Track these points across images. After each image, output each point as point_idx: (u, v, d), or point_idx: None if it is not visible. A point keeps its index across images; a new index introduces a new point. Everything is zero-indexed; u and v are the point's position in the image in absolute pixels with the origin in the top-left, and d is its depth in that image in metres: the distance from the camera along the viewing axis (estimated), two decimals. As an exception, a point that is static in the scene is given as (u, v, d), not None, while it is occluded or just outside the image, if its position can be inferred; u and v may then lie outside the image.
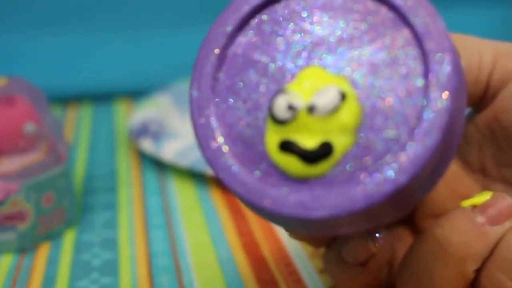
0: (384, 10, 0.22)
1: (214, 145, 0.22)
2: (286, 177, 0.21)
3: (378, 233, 0.26)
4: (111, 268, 0.35)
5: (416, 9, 0.21)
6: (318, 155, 0.21)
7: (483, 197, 0.24)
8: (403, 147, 0.20)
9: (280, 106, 0.21)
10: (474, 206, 0.24)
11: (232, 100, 0.23)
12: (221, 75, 0.23)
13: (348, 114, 0.21)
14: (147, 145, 0.47)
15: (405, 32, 0.21)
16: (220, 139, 0.22)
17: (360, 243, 0.26)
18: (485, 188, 0.28)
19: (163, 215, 0.40)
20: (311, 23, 0.23)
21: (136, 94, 0.62)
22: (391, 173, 0.20)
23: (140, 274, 0.34)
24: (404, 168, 0.20)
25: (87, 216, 0.40)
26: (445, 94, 0.20)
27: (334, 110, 0.21)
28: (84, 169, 0.47)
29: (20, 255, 0.37)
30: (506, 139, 0.27)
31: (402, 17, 0.21)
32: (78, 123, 0.58)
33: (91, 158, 0.49)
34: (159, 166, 0.47)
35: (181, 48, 0.62)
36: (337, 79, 0.21)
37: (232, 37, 0.23)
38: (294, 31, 0.23)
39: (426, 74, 0.21)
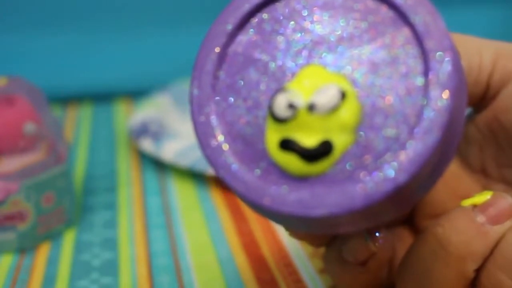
0: (384, 9, 0.22)
1: (214, 143, 0.22)
2: (286, 176, 0.21)
3: (378, 232, 0.26)
4: (111, 268, 0.35)
5: (416, 8, 0.21)
6: (318, 154, 0.21)
7: (483, 197, 0.24)
8: (403, 146, 0.20)
9: (280, 104, 0.21)
10: (475, 206, 0.24)
11: (232, 99, 0.23)
12: (222, 74, 0.23)
13: (348, 113, 0.21)
14: (147, 145, 0.47)
15: (405, 31, 0.21)
16: (220, 137, 0.22)
17: (360, 242, 0.26)
18: (485, 188, 0.28)
19: (163, 215, 0.40)
20: (312, 22, 0.23)
21: (136, 94, 0.63)
22: (391, 172, 0.20)
23: (140, 274, 0.34)
24: (404, 167, 0.20)
25: (87, 216, 0.40)
26: (445, 93, 0.20)
27: (334, 109, 0.21)
28: (84, 169, 0.47)
29: (20, 255, 0.37)
30: (506, 139, 0.27)
31: (402, 16, 0.21)
32: (78, 123, 0.58)
33: (91, 158, 0.49)
34: (159, 166, 0.47)
35: (181, 48, 0.62)
36: (337, 78, 0.21)
37: (232, 35, 0.23)
38: (294, 30, 0.23)
39: (426, 73, 0.21)
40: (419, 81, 0.21)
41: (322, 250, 0.35)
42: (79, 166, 0.48)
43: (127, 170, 0.47)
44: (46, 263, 0.36)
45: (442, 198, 0.29)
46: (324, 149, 0.21)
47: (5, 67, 0.61)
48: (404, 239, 0.29)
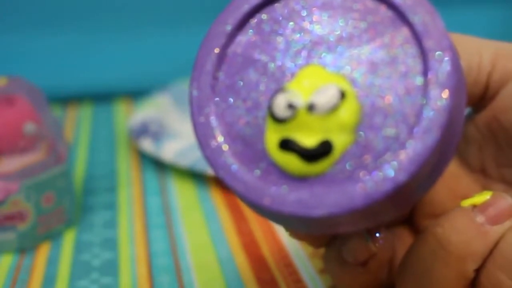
0: (383, 9, 0.22)
1: (214, 144, 0.22)
2: (286, 176, 0.21)
3: (378, 232, 0.26)
4: (111, 268, 0.35)
5: (415, 8, 0.21)
6: (318, 154, 0.21)
7: (483, 197, 0.24)
8: (402, 146, 0.20)
9: (280, 104, 0.21)
10: (474, 206, 0.24)
11: (232, 99, 0.23)
12: (221, 74, 0.23)
13: (348, 113, 0.21)
14: (147, 145, 0.47)
15: (404, 31, 0.21)
16: (220, 138, 0.22)
17: (360, 243, 0.26)
18: (485, 188, 0.28)
19: (163, 215, 0.40)
20: (311, 22, 0.23)
21: (136, 94, 0.63)
22: (391, 171, 0.20)
23: (140, 274, 0.34)
24: (403, 166, 0.20)
25: (87, 216, 0.40)
26: (445, 93, 0.20)
27: (334, 109, 0.21)
28: (84, 169, 0.47)
29: (20, 255, 0.37)
30: (506, 139, 0.27)
31: (401, 16, 0.21)
32: (78, 123, 0.58)
33: (91, 158, 0.49)
34: (159, 166, 0.47)
35: (181, 48, 0.62)
36: (337, 78, 0.21)
37: (232, 36, 0.23)
38: (293, 30, 0.23)
39: (425, 72, 0.21)
40: (419, 80, 0.21)
41: (322, 250, 0.35)
42: (79, 166, 0.48)
43: (127, 170, 0.47)
44: (46, 263, 0.36)
45: (441, 198, 0.29)
46: (323, 149, 0.21)
47: (5, 67, 0.61)
48: (404, 239, 0.29)
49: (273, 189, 0.21)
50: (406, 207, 0.22)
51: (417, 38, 0.21)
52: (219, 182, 0.44)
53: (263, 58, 0.23)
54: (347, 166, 0.21)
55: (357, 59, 0.22)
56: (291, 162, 0.21)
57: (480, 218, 0.24)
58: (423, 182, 0.21)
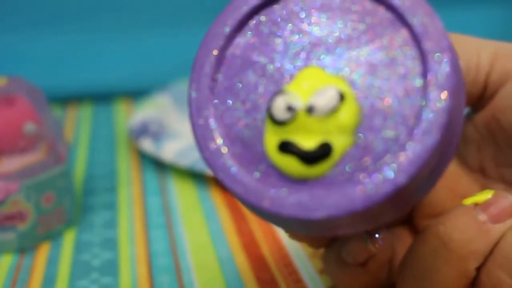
0: (382, 11, 0.22)
1: (213, 146, 0.22)
2: (285, 178, 0.21)
3: (378, 233, 0.26)
4: (111, 268, 0.35)
5: (414, 9, 0.21)
6: (317, 156, 0.21)
7: (484, 196, 0.24)
8: (402, 147, 0.20)
9: (279, 107, 0.21)
10: (476, 204, 0.24)
11: (230, 101, 0.23)
12: (220, 76, 0.23)
13: (347, 115, 0.21)
14: (147, 145, 0.47)
15: (403, 32, 0.21)
16: (219, 140, 0.22)
17: (360, 243, 0.26)
18: (484, 188, 0.28)
19: (163, 215, 0.40)
20: (309, 23, 0.22)
21: (136, 94, 0.63)
22: (391, 173, 0.20)
23: (140, 274, 0.34)
24: (403, 168, 0.20)
25: (87, 216, 0.40)
26: (444, 94, 0.20)
27: (333, 111, 0.21)
28: (84, 169, 0.47)
29: (20, 255, 0.37)
30: (505, 138, 0.27)
31: (400, 17, 0.21)
32: (78, 123, 0.58)
33: (91, 158, 0.49)
34: (159, 166, 0.47)
35: (181, 48, 0.62)
36: (336, 80, 0.21)
37: (230, 38, 0.23)
38: (292, 32, 0.23)
39: (424, 74, 0.21)
40: (418, 82, 0.21)
41: (322, 250, 0.35)
42: (79, 166, 0.48)
43: (127, 170, 0.47)
44: (46, 263, 0.36)
45: (441, 198, 0.29)
46: (323, 151, 0.21)
47: (5, 67, 0.61)
48: (403, 240, 0.29)
49: (273, 191, 0.21)
50: (406, 209, 0.22)
51: (416, 39, 0.21)
52: (219, 183, 0.44)
53: (262, 60, 0.23)
54: (347, 168, 0.21)
55: (356, 60, 0.22)
56: (291, 164, 0.21)
57: (482, 217, 0.24)
58: (423, 183, 0.21)
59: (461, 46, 0.26)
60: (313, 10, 0.23)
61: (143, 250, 0.36)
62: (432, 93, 0.20)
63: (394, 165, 0.20)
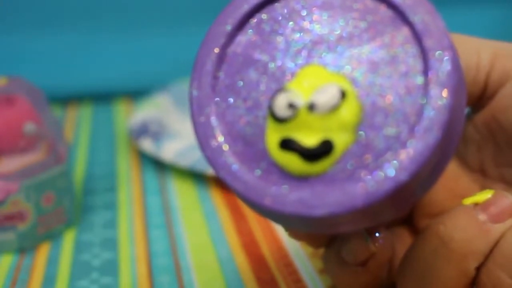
0: (383, 9, 0.22)
1: (214, 143, 0.22)
2: (287, 175, 0.21)
3: (378, 232, 0.26)
4: (111, 268, 0.35)
5: (415, 7, 0.21)
6: (319, 153, 0.21)
7: (484, 195, 0.24)
8: (403, 145, 0.20)
9: (281, 104, 0.21)
10: (476, 204, 0.24)
11: (232, 99, 0.23)
12: (221, 74, 0.23)
13: (348, 112, 0.21)
14: (147, 145, 0.47)
15: (405, 30, 0.21)
16: (221, 138, 0.22)
17: (360, 243, 0.26)
18: (483, 187, 0.28)
19: (163, 215, 0.40)
20: (311, 21, 0.23)
21: (136, 94, 0.63)
22: (392, 170, 0.20)
23: (140, 274, 0.34)
24: (404, 165, 0.20)
25: (87, 216, 0.40)
26: (445, 92, 0.20)
27: (334, 108, 0.21)
28: (84, 169, 0.47)
29: (20, 255, 0.37)
30: (505, 138, 0.27)
31: (401, 15, 0.21)
32: (78, 123, 0.58)
33: (91, 158, 0.49)
34: (159, 166, 0.47)
35: (181, 48, 0.62)
36: (337, 77, 0.21)
37: (231, 36, 0.23)
38: (293, 30, 0.23)
39: (425, 71, 0.21)
40: (419, 80, 0.21)
41: (322, 250, 0.35)
42: (79, 166, 0.48)
43: (127, 170, 0.47)
44: (46, 263, 0.36)
45: (440, 198, 0.29)
46: (324, 149, 0.21)
47: (5, 67, 0.61)
48: (403, 239, 0.29)
49: (274, 188, 0.21)
50: (407, 207, 0.22)
51: (418, 37, 0.21)
52: (219, 182, 0.44)
53: (263, 58, 0.23)
54: (348, 166, 0.21)
55: (357, 58, 0.22)
56: (292, 161, 0.21)
57: (482, 216, 0.24)
58: (423, 181, 0.21)
59: (461, 46, 0.26)
60: (314, 8, 0.23)
61: (143, 250, 0.36)
62: (433, 91, 0.20)
63: (395, 163, 0.20)
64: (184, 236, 0.38)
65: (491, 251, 0.24)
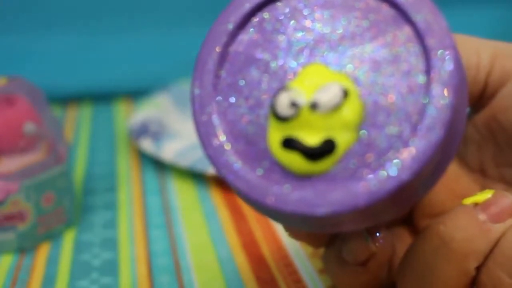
0: (385, 8, 0.22)
1: (216, 142, 0.22)
2: (289, 174, 0.21)
3: (379, 232, 0.26)
4: (111, 268, 0.35)
5: (418, 6, 0.21)
6: (321, 152, 0.21)
7: (484, 195, 0.24)
8: (405, 144, 0.20)
9: (283, 103, 0.21)
10: (476, 204, 0.24)
11: (234, 98, 0.23)
12: (223, 73, 0.23)
13: (351, 111, 0.21)
14: (147, 145, 0.47)
15: (407, 29, 0.21)
16: (222, 137, 0.22)
17: (360, 242, 0.26)
18: (484, 188, 0.28)
19: (163, 215, 0.40)
20: (313, 20, 0.23)
21: (136, 94, 0.63)
22: (394, 170, 0.20)
23: (140, 274, 0.34)
24: (407, 164, 0.20)
25: (87, 216, 0.40)
26: (447, 91, 0.20)
27: (337, 107, 0.21)
28: (84, 169, 0.47)
29: (20, 255, 0.36)
30: (505, 138, 0.27)
31: (404, 14, 0.21)
32: (78, 123, 0.58)
33: (91, 158, 0.49)
34: (159, 166, 0.47)
35: (181, 48, 0.62)
36: (339, 76, 0.21)
37: (233, 35, 0.23)
38: (295, 29, 0.23)
39: (428, 70, 0.21)
40: (421, 79, 0.21)
41: (322, 250, 0.35)
42: (79, 166, 0.48)
43: (127, 170, 0.47)
44: (46, 263, 0.36)
45: (440, 198, 0.29)
46: (326, 148, 0.21)
47: (5, 67, 0.61)
48: (403, 239, 0.29)
49: (276, 188, 0.21)
50: (408, 206, 0.22)
51: (420, 36, 0.21)
52: (219, 182, 0.44)
53: (265, 56, 0.23)
54: (350, 165, 0.21)
55: (359, 57, 0.22)
56: (294, 160, 0.21)
57: (482, 216, 0.24)
58: (426, 180, 0.21)
59: (461, 46, 0.26)
60: (316, 7, 0.23)
61: (143, 250, 0.36)
62: (435, 89, 0.20)
63: (398, 162, 0.20)
64: (184, 236, 0.38)
65: (491, 251, 0.24)
